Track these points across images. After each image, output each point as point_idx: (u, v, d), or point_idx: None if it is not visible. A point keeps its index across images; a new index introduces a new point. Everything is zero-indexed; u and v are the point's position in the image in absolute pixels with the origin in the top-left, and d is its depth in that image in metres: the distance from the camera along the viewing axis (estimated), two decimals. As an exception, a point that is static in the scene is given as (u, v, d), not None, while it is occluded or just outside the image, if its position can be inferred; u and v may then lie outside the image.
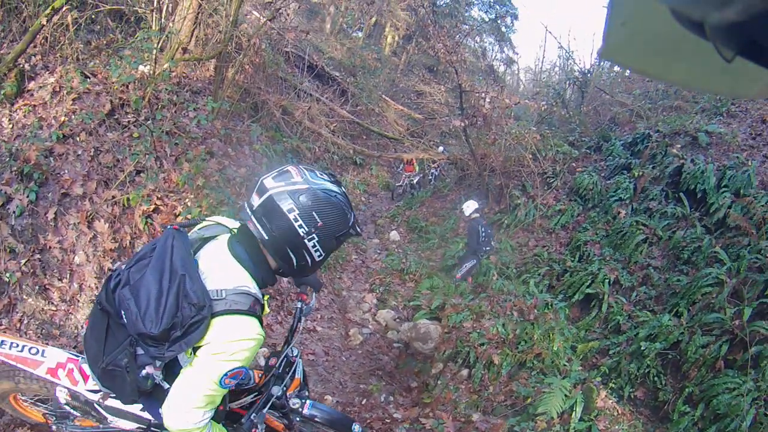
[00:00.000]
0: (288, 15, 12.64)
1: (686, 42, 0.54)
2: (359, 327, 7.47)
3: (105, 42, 6.84)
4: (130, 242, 5.51)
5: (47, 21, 5.60)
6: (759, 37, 0.46)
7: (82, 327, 4.48)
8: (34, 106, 5.50)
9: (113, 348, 2.00)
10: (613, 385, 5.74)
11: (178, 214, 6.07)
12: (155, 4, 7.31)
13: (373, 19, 24.45)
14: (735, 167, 8.09)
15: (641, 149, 9.89)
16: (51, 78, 5.79)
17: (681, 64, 0.62)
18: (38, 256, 4.56)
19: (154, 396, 2.13)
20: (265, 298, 2.05)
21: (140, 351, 1.95)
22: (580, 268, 8.15)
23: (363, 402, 5.46)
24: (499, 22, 29.54)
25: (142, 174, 5.90)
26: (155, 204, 5.91)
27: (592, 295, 7.48)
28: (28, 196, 4.72)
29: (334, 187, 2.07)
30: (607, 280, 7.52)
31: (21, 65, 5.67)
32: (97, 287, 4.86)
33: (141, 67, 6.49)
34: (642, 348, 5.92)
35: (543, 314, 6.49)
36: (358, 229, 2.20)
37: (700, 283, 6.44)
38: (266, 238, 1.97)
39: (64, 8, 5.78)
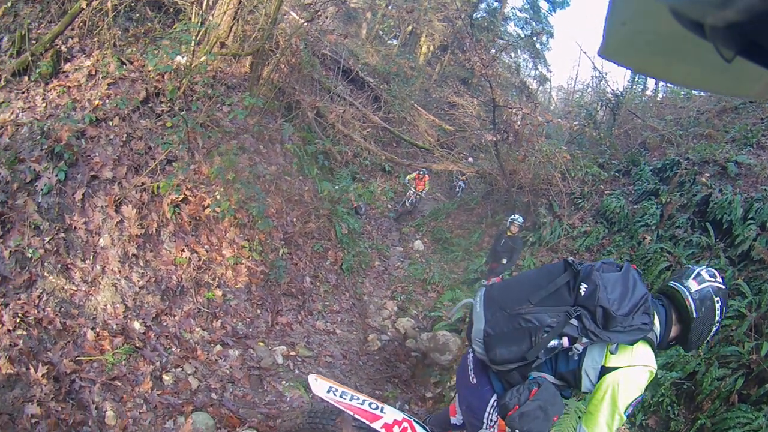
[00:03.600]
0: (325, 18, 12.67)
1: (686, 42, 0.54)
2: (378, 333, 7.36)
3: (143, 30, 6.86)
4: (156, 230, 5.47)
5: (87, 5, 5.63)
6: (759, 37, 0.47)
7: (103, 309, 4.44)
8: (69, 87, 5.51)
9: (549, 304, 2.28)
10: (627, 412, 5.55)
11: (207, 207, 6.04)
12: (196, -3, 7.34)
13: (410, 28, 24.42)
14: (762, 199, 7.78)
15: (670, 176, 9.62)
16: (87, 61, 5.81)
17: (681, 64, 0.63)
18: (63, 235, 4.52)
19: (504, 378, 2.42)
20: None
21: (574, 322, 2.22)
22: (602, 291, 7.85)
23: (379, 408, 5.30)
24: (534, 38, 29.25)
25: (173, 163, 5.87)
26: (184, 194, 5.88)
27: (613, 319, 7.19)
28: (57, 175, 4.70)
29: None
30: (628, 306, 7.22)
31: (58, 46, 5.70)
32: (120, 271, 4.81)
33: (178, 58, 6.49)
34: (658, 376, 5.66)
35: (563, 335, 6.24)
36: None
37: (719, 314, 6.20)
38: (695, 316, 2.28)
39: (104, -8, 5.81)
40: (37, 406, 3.37)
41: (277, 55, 9.28)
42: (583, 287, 2.24)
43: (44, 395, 3.47)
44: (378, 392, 5.63)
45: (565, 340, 2.23)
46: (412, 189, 14.29)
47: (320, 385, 2.78)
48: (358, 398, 2.74)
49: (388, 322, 7.90)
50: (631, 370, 2.15)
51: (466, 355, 2.71)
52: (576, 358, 2.27)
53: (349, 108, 13.29)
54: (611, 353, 2.19)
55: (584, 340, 2.20)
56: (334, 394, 2.73)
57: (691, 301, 2.28)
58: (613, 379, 2.16)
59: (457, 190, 16.59)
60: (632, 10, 0.60)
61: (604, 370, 2.20)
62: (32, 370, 3.53)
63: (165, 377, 4.30)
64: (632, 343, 2.17)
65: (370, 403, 2.74)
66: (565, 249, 9.59)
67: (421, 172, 14.12)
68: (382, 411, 2.72)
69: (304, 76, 11.31)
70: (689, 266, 2.43)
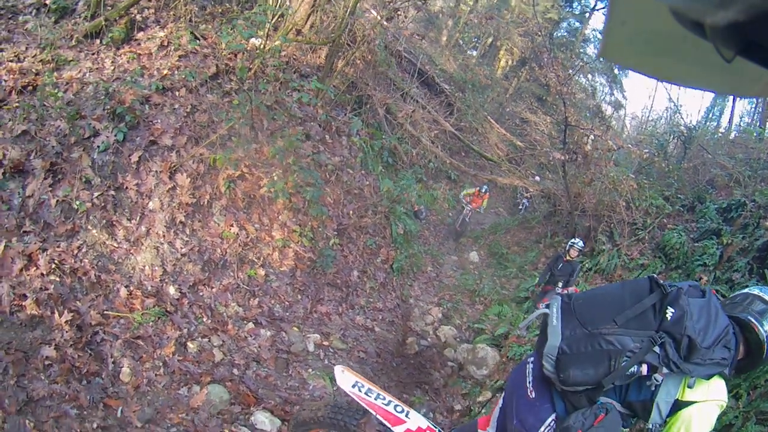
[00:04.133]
0: (405, 19, 12.61)
1: (686, 42, 0.55)
2: (418, 337, 7.12)
3: (220, 10, 6.98)
4: (208, 202, 5.48)
5: (166, -22, 5.76)
6: (759, 37, 0.47)
7: (141, 269, 4.45)
8: (139, 54, 5.64)
9: (634, 327, 2.11)
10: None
11: (263, 186, 6.01)
12: (275, -17, 7.39)
13: (490, 40, 24.14)
14: (826, 250, 7.33)
15: (734, 217, 9.28)
16: (161, 32, 5.93)
17: (681, 64, 0.63)
18: (112, 192, 4.58)
19: (568, 398, 2.23)
20: None
21: (657, 350, 2.06)
22: (650, 328, 7.52)
23: (403, 412, 5.08)
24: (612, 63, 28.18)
25: (234, 139, 5.89)
26: (242, 171, 5.88)
27: (656, 359, 6.85)
28: (115, 135, 4.78)
29: None
30: (673, 348, 6.89)
31: (133, 15, 5.85)
32: (165, 235, 4.83)
33: (253, 40, 6.54)
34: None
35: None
36: None
37: (766, 368, 5.75)
38: (764, 358, 2.17)
39: (185, -33, 5.93)
40: (54, 349, 3.39)
41: (354, 49, 9.24)
42: (670, 312, 2.08)
43: (64, 341, 3.49)
44: (405, 396, 5.41)
45: (644, 368, 2.09)
46: (468, 207, 13.07)
47: (346, 378, 2.65)
48: (384, 398, 2.58)
49: (430, 328, 7.67)
50: (705, 405, 2.04)
51: (523, 366, 2.52)
52: (652, 388, 2.12)
53: (421, 110, 13.14)
54: (689, 387, 2.06)
55: (664, 370, 2.06)
56: (360, 390, 2.59)
57: (767, 347, 2.15)
58: (688, 414, 2.04)
59: (520, 207, 16.35)
60: (632, 10, 0.59)
61: (678, 404, 2.07)
62: (57, 315, 3.55)
63: (190, 345, 4.26)
64: (709, 377, 2.05)
65: (395, 405, 2.58)
66: (620, 279, 9.23)
67: (482, 189, 13.04)
68: (407, 415, 2.55)
69: (378, 73, 11.27)
70: (758, 294, 2.26)
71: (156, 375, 3.77)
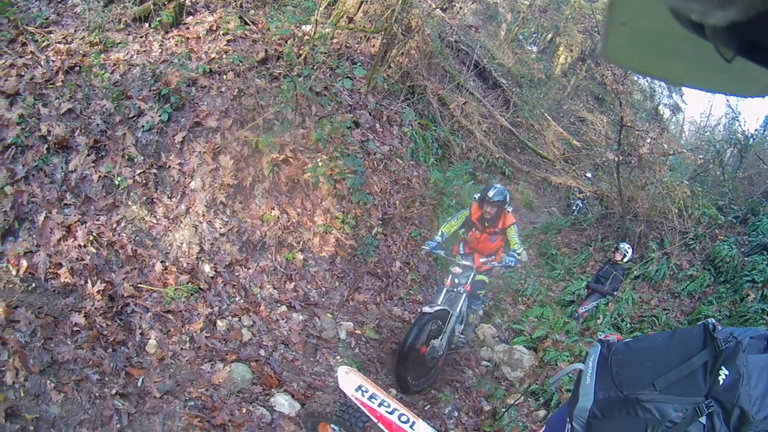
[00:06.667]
0: (464, 12, 12.42)
1: (686, 42, 0.54)
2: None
3: (273, -4, 7.03)
4: (250, 184, 5.53)
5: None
6: (759, 37, 0.47)
7: (178, 246, 4.52)
8: (188, 38, 5.74)
9: (677, 392, 1.83)
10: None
11: (307, 171, 6.02)
12: (326, -29, 7.39)
13: (549, 36, 23.55)
14: None
15: None
16: (210, 17, 6.03)
17: (681, 64, 0.63)
18: (155, 171, 4.69)
19: None
20: None
21: (703, 420, 1.77)
22: (693, 343, 7.20)
23: (426, 407, 5.03)
24: (672, 63, 27.01)
25: (279, 123, 5.92)
26: (287, 156, 5.90)
27: (696, 376, 6.62)
28: (160, 116, 4.89)
29: None
30: (714, 366, 6.68)
31: (182, 0, 5.95)
32: (204, 215, 4.90)
33: (304, 27, 6.56)
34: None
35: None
36: None
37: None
38: None
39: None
40: (83, 317, 3.50)
41: (407, 39, 9.15)
42: (723, 374, 1.76)
43: (94, 309, 3.60)
44: (434, 391, 5.32)
45: None
46: (469, 262, 5.84)
47: (350, 381, 2.53)
48: (388, 405, 2.43)
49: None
50: None
51: (561, 417, 2.25)
52: None
53: (475, 103, 12.92)
54: None
55: None
56: (363, 395, 2.46)
57: None
58: None
59: (574, 208, 15.78)
60: (632, 10, 0.59)
61: None
62: (90, 285, 3.66)
63: (219, 323, 4.31)
64: None
65: (400, 414, 2.41)
66: (667, 290, 9.13)
67: (493, 196, 5.28)
68: (411, 426, 2.39)
69: (434, 64, 11.12)
70: None
71: (181, 349, 3.84)
